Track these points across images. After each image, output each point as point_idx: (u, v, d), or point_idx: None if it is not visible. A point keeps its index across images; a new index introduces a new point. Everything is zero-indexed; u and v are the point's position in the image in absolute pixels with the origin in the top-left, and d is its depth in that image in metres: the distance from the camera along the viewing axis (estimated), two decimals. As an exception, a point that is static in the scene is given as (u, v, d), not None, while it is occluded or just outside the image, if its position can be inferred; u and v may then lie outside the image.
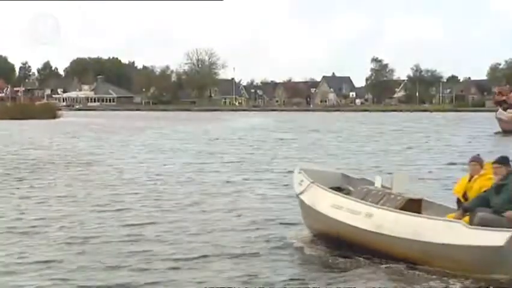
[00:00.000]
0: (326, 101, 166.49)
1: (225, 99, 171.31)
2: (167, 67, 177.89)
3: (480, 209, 9.15)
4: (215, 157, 28.15)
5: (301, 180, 11.77)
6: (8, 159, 27.11)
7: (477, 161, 9.92)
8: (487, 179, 9.56)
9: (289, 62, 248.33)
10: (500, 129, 47.23)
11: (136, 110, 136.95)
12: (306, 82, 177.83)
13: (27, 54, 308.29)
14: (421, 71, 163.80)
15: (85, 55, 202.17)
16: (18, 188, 18.05)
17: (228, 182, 19.53)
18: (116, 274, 9.43)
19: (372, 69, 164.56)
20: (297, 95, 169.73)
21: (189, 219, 13.38)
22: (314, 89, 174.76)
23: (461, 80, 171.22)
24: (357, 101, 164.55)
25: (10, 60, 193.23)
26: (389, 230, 9.60)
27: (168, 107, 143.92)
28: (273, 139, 41.51)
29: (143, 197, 16.35)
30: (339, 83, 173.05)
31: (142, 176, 20.92)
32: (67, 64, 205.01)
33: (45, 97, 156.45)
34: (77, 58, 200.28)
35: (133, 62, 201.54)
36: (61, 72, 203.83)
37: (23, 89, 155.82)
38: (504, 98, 49.74)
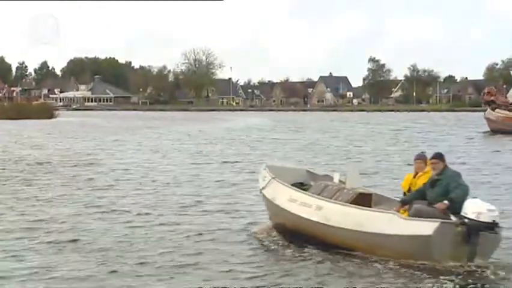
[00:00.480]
0: (323, 101, 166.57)
1: (222, 99, 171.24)
2: (165, 67, 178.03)
3: (417, 202, 9.90)
4: (209, 157, 28.18)
5: (265, 176, 12.50)
6: (5, 159, 27.08)
7: (421, 158, 10.53)
8: (429, 176, 10.22)
9: (286, 62, 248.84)
10: (488, 129, 47.72)
11: (133, 110, 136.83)
12: (303, 82, 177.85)
13: (24, 54, 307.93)
14: (418, 71, 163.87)
15: (81, 55, 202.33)
16: (15, 189, 18.03)
17: (219, 181, 19.67)
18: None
19: (369, 69, 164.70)
20: (294, 95, 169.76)
21: (178, 217, 13.74)
22: (311, 89, 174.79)
23: (458, 80, 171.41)
24: (354, 101, 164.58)
25: (7, 60, 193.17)
26: (335, 222, 10.38)
27: (165, 107, 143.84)
28: (269, 139, 41.56)
29: (135, 196, 16.39)
30: (336, 83, 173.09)
31: (138, 177, 20.92)
32: (64, 64, 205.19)
33: (42, 97, 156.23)
34: (74, 58, 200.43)
35: (130, 62, 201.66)
36: (58, 72, 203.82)
37: (20, 88, 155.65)
38: (492, 98, 50.23)
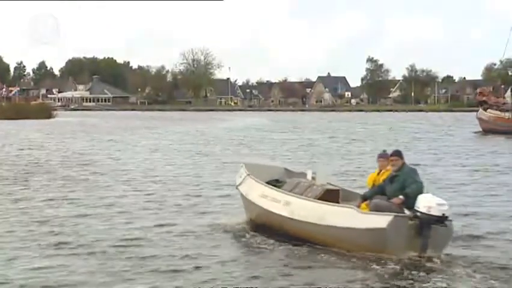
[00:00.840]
0: (321, 101, 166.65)
1: (221, 99, 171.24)
2: (163, 67, 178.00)
3: (377, 197, 10.50)
4: (208, 157, 28.19)
5: (241, 174, 13.17)
6: (3, 159, 27.08)
7: (384, 157, 11.11)
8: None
9: (284, 62, 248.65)
10: (480, 129, 48.16)
11: (132, 110, 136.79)
12: (301, 82, 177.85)
13: (22, 54, 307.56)
14: (416, 71, 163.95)
15: (80, 55, 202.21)
16: (12, 189, 18.04)
17: (216, 181, 19.66)
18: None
19: (367, 69, 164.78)
20: (293, 95, 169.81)
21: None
22: (310, 89, 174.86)
23: (456, 80, 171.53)
24: (353, 101, 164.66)
25: (5, 59, 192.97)
26: (300, 216, 10.98)
27: (164, 107, 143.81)
28: (268, 139, 41.58)
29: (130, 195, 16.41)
30: (334, 83, 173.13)
31: (136, 177, 20.92)
32: (62, 64, 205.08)
33: (41, 97, 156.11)
34: (73, 58, 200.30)
35: (128, 62, 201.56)
36: (56, 72, 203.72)
37: (18, 88, 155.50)
38: (484, 98, 50.57)
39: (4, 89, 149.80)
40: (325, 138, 43.38)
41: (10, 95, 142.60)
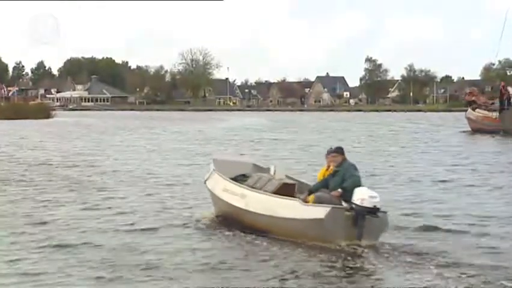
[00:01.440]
0: (320, 101, 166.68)
1: (219, 99, 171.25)
2: (162, 67, 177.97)
3: (321, 190, 11.41)
4: (207, 158, 28.11)
5: (209, 169, 14.04)
6: (2, 160, 27.04)
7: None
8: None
9: (283, 62, 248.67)
10: (468, 129, 48.79)
11: (130, 110, 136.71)
12: (300, 82, 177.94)
13: (20, 54, 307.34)
14: (415, 71, 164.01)
15: (78, 55, 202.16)
16: (11, 190, 18.01)
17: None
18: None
19: (366, 69, 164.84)
20: (291, 95, 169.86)
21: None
22: (308, 89, 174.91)
23: (455, 80, 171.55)
24: (351, 101, 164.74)
25: (4, 59, 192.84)
26: (254, 208, 11.86)
27: (162, 107, 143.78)
28: (268, 139, 41.54)
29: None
30: (333, 83, 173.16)
31: (133, 178, 20.89)
32: (60, 64, 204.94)
33: (39, 97, 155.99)
34: (71, 58, 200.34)
35: (127, 62, 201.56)
36: (55, 72, 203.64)
37: (16, 88, 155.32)
38: (473, 98, 51.14)
39: (4, 89, 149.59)
40: (324, 138, 43.32)
41: (9, 95, 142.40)
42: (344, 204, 10.93)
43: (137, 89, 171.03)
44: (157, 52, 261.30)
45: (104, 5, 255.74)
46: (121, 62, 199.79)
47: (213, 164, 14.13)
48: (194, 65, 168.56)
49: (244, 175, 13.50)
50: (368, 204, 10.62)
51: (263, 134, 48.34)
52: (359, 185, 11.06)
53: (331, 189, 11.31)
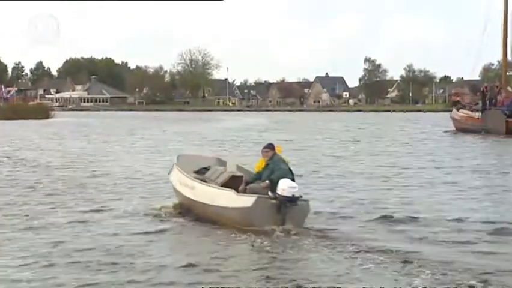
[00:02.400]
0: (319, 101, 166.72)
1: (219, 99, 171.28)
2: (161, 67, 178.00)
3: (256, 182, 12.72)
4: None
5: (172, 163, 15.32)
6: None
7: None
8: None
9: (282, 62, 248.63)
10: (453, 128, 50.00)
11: (129, 110, 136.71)
12: (299, 82, 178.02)
13: (19, 54, 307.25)
14: (414, 71, 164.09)
15: (77, 55, 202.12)
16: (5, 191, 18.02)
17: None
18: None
19: (365, 70, 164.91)
20: (291, 95, 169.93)
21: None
22: (308, 89, 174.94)
23: (454, 80, 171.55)
24: (351, 101, 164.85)
25: (3, 60, 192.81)
26: (199, 198, 13.15)
27: (162, 107, 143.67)
28: (268, 140, 41.42)
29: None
30: (332, 83, 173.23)
31: (129, 179, 20.89)
32: (59, 64, 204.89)
33: (38, 97, 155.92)
34: (70, 58, 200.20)
35: (126, 62, 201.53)
36: (54, 72, 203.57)
37: (16, 88, 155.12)
38: (458, 98, 52.88)
39: (3, 90, 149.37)
40: (324, 138, 43.33)
41: (8, 96, 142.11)
42: (270, 194, 12.24)
43: (137, 89, 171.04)
44: (156, 52, 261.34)
45: (103, 5, 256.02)
46: (120, 62, 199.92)
47: (176, 158, 15.52)
48: (193, 65, 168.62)
49: (206, 168, 14.67)
50: (287, 193, 11.97)
51: (264, 134, 48.29)
52: (285, 176, 12.28)
53: (262, 180, 12.64)
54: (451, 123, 51.57)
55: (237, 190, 12.64)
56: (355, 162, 26.00)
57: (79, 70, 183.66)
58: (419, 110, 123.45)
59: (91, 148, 33.87)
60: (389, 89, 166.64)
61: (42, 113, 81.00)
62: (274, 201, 12.08)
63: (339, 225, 12.90)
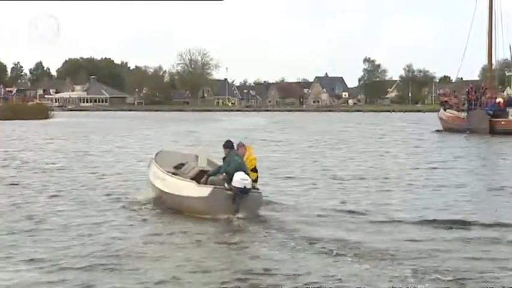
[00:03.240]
0: (318, 101, 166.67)
1: (218, 99, 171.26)
2: (160, 67, 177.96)
3: (216, 175, 14.09)
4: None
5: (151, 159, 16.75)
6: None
7: (243, 146, 14.59)
8: (251, 159, 14.52)
9: (282, 62, 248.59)
10: (441, 128, 51.22)
11: (129, 110, 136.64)
12: (299, 82, 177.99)
13: (19, 54, 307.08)
14: (413, 71, 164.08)
15: (77, 55, 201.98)
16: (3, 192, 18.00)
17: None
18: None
19: (364, 70, 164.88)
20: (290, 96, 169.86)
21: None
22: (307, 90, 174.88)
23: (453, 80, 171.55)
24: (350, 101, 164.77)
25: (2, 60, 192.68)
26: (168, 189, 14.54)
27: (161, 107, 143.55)
28: (269, 140, 41.51)
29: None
30: (332, 83, 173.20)
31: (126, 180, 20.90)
32: (59, 64, 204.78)
33: (38, 97, 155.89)
34: (70, 58, 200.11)
35: (126, 63, 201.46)
36: (53, 72, 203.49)
37: (15, 89, 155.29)
38: (446, 99, 53.44)
39: (3, 90, 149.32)
40: (326, 139, 43.31)
41: (10, 96, 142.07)
42: (226, 185, 13.59)
43: (136, 90, 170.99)
44: (155, 52, 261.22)
45: (102, 6, 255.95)
46: (119, 63, 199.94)
47: (155, 154, 16.97)
48: (193, 66, 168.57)
49: (183, 164, 15.89)
50: (239, 185, 13.31)
51: (265, 134, 48.29)
52: (239, 169, 13.62)
53: (220, 173, 13.97)
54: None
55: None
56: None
57: (78, 70, 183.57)
58: (419, 110, 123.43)
59: (87, 148, 33.84)
60: (389, 89, 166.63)
61: (42, 113, 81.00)
62: (229, 192, 13.43)
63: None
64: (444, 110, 51.91)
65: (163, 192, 14.87)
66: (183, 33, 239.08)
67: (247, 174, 13.64)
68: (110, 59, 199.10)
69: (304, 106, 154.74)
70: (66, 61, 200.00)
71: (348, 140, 41.33)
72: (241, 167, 13.69)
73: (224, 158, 14.20)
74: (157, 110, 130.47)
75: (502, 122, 44.50)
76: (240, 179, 13.31)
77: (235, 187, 13.30)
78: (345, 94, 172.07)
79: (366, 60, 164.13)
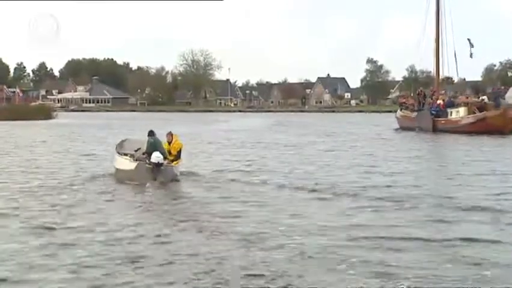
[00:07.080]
0: (321, 102, 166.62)
1: (220, 100, 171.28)
2: (163, 68, 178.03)
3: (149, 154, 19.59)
4: (207, 161, 28.16)
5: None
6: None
7: (170, 134, 20.73)
8: (176, 143, 20.47)
9: (284, 62, 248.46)
10: (398, 127, 55.95)
11: (131, 111, 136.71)
12: (301, 83, 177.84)
13: (22, 54, 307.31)
14: (416, 72, 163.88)
15: (79, 56, 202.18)
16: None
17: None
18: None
19: (367, 70, 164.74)
20: (293, 96, 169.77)
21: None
22: (309, 90, 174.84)
23: (455, 81, 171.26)
24: (353, 102, 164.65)
25: (5, 60, 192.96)
26: (117, 165, 20.39)
27: (163, 108, 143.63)
28: (270, 141, 41.55)
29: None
30: (334, 84, 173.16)
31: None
32: (62, 65, 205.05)
33: (40, 98, 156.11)
34: (72, 59, 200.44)
35: (128, 63, 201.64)
36: (56, 73, 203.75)
37: (19, 89, 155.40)
38: (404, 100, 58.71)
39: (5, 90, 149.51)
40: (327, 140, 43.37)
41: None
42: (147, 161, 19.32)
43: (138, 90, 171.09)
44: (158, 53, 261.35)
45: (105, 6, 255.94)
46: (122, 63, 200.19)
47: (120, 141, 22.87)
48: (195, 66, 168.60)
49: (140, 148, 20.62)
50: (154, 160, 19.08)
51: (266, 135, 48.33)
52: (154, 149, 19.35)
53: (143, 154, 19.88)
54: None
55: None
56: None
57: (80, 71, 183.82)
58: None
59: (88, 148, 33.98)
60: (391, 90, 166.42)
61: (44, 113, 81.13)
62: (148, 165, 19.16)
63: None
64: (401, 110, 56.96)
65: (116, 169, 20.36)
66: (185, 33, 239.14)
67: (162, 153, 19.19)
68: (112, 59, 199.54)
69: (306, 107, 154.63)
70: (69, 62, 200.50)
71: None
72: (155, 148, 19.42)
73: (149, 142, 19.76)
74: (159, 111, 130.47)
75: (442, 121, 48.94)
76: (155, 157, 19.08)
77: (152, 162, 19.05)
78: (347, 95, 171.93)
79: (369, 60, 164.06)
